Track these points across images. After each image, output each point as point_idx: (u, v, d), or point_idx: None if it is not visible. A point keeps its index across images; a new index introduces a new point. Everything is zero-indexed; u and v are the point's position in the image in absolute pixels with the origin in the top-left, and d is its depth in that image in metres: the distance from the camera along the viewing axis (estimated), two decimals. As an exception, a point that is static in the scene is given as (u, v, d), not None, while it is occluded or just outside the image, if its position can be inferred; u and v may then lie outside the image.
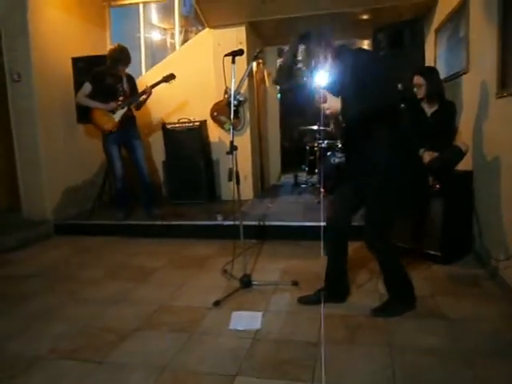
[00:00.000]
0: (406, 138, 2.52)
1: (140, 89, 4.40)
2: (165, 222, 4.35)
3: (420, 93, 3.18)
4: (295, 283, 2.83)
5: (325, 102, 2.17)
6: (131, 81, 4.45)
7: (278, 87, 6.81)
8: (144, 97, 4.34)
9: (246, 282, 2.82)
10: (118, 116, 4.28)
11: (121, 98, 4.28)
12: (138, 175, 4.47)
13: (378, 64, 2.22)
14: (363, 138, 2.25)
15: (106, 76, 4.26)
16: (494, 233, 2.86)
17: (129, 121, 4.37)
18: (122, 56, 4.21)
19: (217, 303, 2.60)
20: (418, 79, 3.17)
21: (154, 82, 4.33)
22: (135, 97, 4.35)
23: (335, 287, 2.55)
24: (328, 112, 2.19)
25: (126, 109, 4.29)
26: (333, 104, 2.17)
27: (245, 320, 2.37)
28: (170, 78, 4.35)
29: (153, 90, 4.32)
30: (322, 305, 2.42)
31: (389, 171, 2.21)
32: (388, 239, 2.37)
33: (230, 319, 2.38)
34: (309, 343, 2.11)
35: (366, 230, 2.36)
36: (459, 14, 3.52)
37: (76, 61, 4.80)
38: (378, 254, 2.40)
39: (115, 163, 4.39)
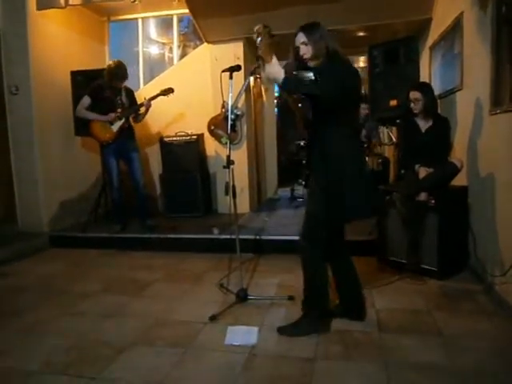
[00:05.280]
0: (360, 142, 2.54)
1: (139, 101, 4.44)
2: (161, 235, 4.34)
3: (417, 107, 3.21)
4: (291, 298, 2.82)
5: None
6: (130, 94, 4.50)
7: (275, 101, 6.89)
8: (143, 109, 4.38)
9: (243, 297, 2.81)
10: (115, 127, 4.32)
11: (119, 110, 4.32)
12: (134, 187, 4.48)
13: (343, 73, 2.17)
14: (321, 134, 2.26)
15: (104, 89, 4.31)
16: (489, 248, 2.87)
17: (127, 133, 4.40)
18: (118, 71, 4.27)
19: (213, 318, 2.58)
20: (414, 94, 3.20)
21: (152, 94, 4.39)
22: (133, 108, 4.40)
23: (347, 303, 2.53)
24: (263, 75, 2.16)
25: (123, 120, 4.33)
26: (275, 69, 2.11)
27: (241, 335, 2.35)
28: (168, 91, 4.44)
29: (151, 103, 4.36)
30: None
31: (336, 170, 2.20)
32: (315, 241, 2.31)
33: (225, 334, 2.36)
34: (305, 359, 2.10)
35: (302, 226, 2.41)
36: (453, 32, 3.58)
37: (75, 74, 4.84)
38: (300, 253, 2.39)
39: (112, 174, 4.44)
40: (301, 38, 2.23)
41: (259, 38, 2.19)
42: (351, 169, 2.22)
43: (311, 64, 2.24)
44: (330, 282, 2.43)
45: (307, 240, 2.35)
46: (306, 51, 2.22)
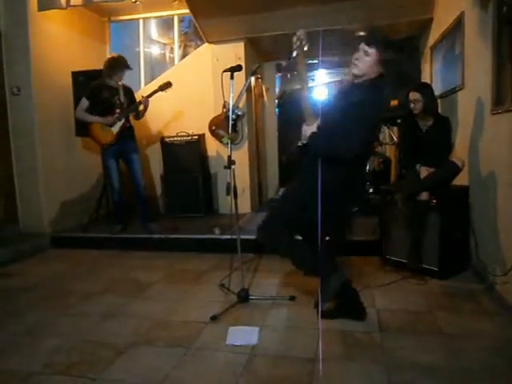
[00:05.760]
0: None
1: (138, 100, 4.40)
2: (162, 236, 4.34)
3: (417, 108, 3.22)
4: (292, 298, 2.82)
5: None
6: (128, 92, 4.44)
7: (276, 101, 6.87)
8: (141, 107, 4.33)
9: (244, 297, 2.80)
10: (115, 129, 4.29)
11: (118, 111, 4.28)
12: (134, 189, 4.46)
13: (366, 112, 2.21)
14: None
15: (102, 89, 4.27)
16: (490, 248, 2.87)
17: (127, 133, 4.37)
18: (117, 62, 4.22)
19: (214, 318, 2.58)
20: (414, 95, 3.21)
21: (149, 91, 4.33)
22: (132, 107, 4.35)
23: (344, 304, 2.52)
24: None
25: (123, 121, 4.30)
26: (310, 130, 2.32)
27: (242, 335, 2.35)
28: (166, 86, 4.34)
29: (150, 100, 4.30)
30: (320, 320, 2.40)
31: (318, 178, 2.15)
32: (274, 231, 2.46)
33: (226, 334, 2.36)
34: (306, 359, 2.09)
35: None
36: (454, 32, 3.58)
37: (76, 75, 4.83)
38: (271, 243, 2.55)
39: (113, 176, 4.41)
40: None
41: (297, 47, 2.27)
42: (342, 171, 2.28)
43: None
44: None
45: (269, 231, 2.49)
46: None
